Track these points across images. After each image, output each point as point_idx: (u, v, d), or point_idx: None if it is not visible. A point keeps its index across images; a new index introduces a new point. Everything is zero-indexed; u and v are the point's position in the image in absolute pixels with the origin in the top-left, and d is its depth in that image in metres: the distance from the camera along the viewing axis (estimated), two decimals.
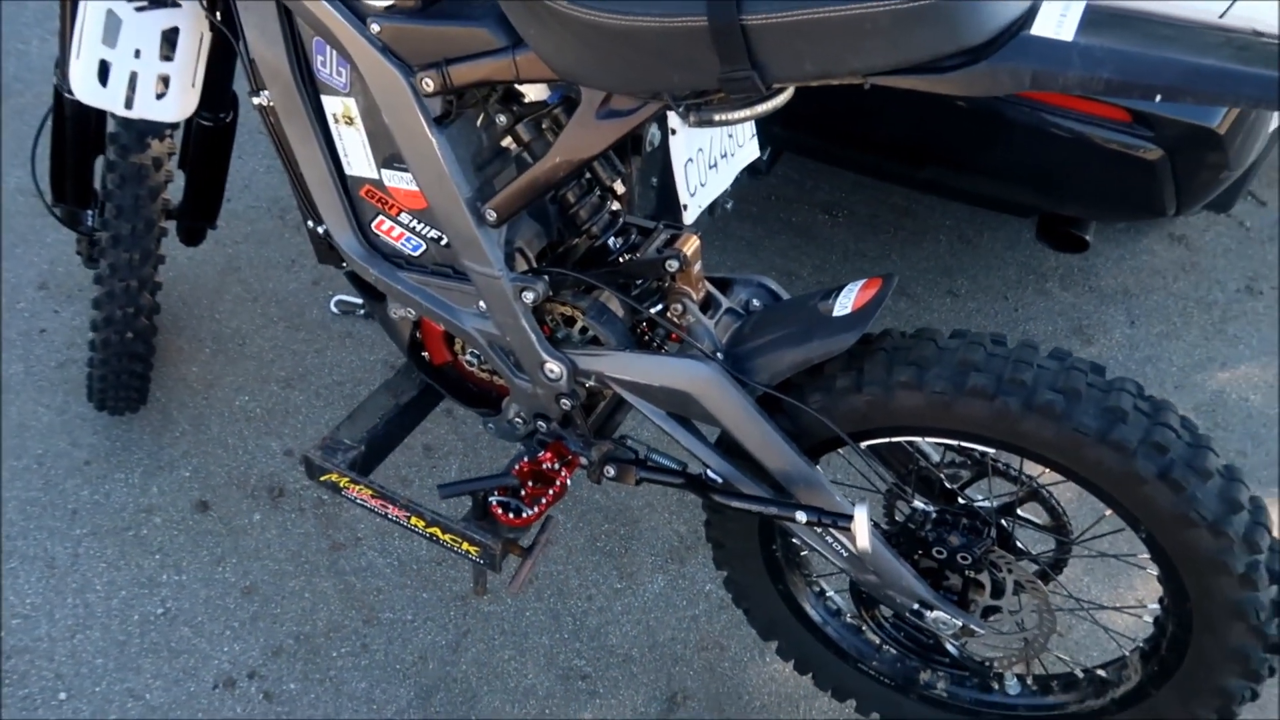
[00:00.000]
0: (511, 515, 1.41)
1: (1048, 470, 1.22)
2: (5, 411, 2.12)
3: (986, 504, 1.37)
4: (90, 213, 1.85)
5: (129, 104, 1.47)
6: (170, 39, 1.48)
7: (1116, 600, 1.89)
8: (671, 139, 1.37)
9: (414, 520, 1.48)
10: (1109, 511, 1.22)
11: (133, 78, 1.46)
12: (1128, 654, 1.39)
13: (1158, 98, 0.81)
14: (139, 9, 1.42)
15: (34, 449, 2.06)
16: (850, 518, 1.24)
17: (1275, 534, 1.18)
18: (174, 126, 1.66)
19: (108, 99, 1.46)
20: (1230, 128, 1.71)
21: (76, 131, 1.73)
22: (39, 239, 2.50)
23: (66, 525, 1.94)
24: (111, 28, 1.44)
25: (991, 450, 1.26)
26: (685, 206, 1.41)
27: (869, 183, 2.79)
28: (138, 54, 1.46)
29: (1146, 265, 2.64)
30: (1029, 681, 1.49)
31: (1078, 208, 2.00)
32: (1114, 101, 1.68)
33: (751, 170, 2.19)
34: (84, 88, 1.45)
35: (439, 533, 1.46)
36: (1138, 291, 2.57)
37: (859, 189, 2.80)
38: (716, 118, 1.06)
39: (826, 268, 2.59)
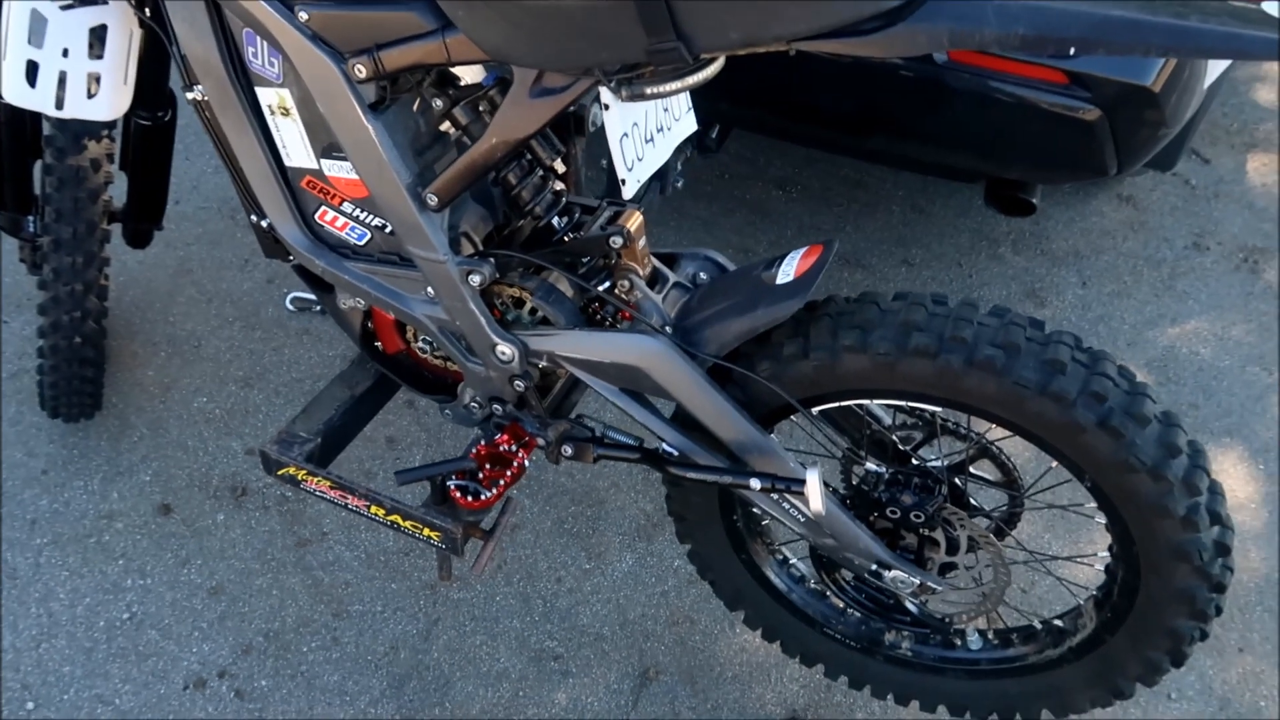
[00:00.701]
0: (470, 498, 1.42)
1: (995, 426, 1.24)
2: None
3: (938, 463, 1.39)
4: (31, 218, 1.83)
5: (60, 104, 1.45)
6: (100, 36, 1.46)
7: (1072, 551, 1.93)
8: (605, 115, 1.37)
9: (374, 509, 1.48)
10: (1055, 463, 1.24)
11: (62, 77, 1.44)
12: (1082, 602, 1.42)
13: (1071, 50, 0.83)
14: (64, 7, 1.40)
15: None
16: (803, 482, 1.25)
17: (1214, 477, 1.20)
18: (110, 126, 1.63)
19: (37, 100, 1.44)
20: (1165, 84, 1.74)
21: (11, 136, 1.70)
22: None
23: (26, 535, 1.92)
24: (37, 28, 1.42)
25: (939, 409, 1.28)
26: (624, 181, 1.41)
27: (820, 157, 2.81)
28: (66, 53, 1.44)
29: (1096, 226, 2.68)
30: (990, 635, 1.52)
31: (1022, 171, 2.03)
32: (1040, 61, 1.70)
33: (702, 148, 2.21)
34: (12, 89, 1.43)
35: (399, 520, 1.46)
36: (1088, 252, 2.61)
37: (811, 163, 2.81)
38: (648, 91, 1.06)
39: (782, 243, 2.60)
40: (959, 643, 1.53)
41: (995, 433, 1.28)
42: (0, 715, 1.67)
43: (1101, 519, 1.27)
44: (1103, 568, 1.38)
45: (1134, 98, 1.75)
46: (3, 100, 1.49)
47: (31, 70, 1.44)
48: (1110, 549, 1.32)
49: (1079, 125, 1.80)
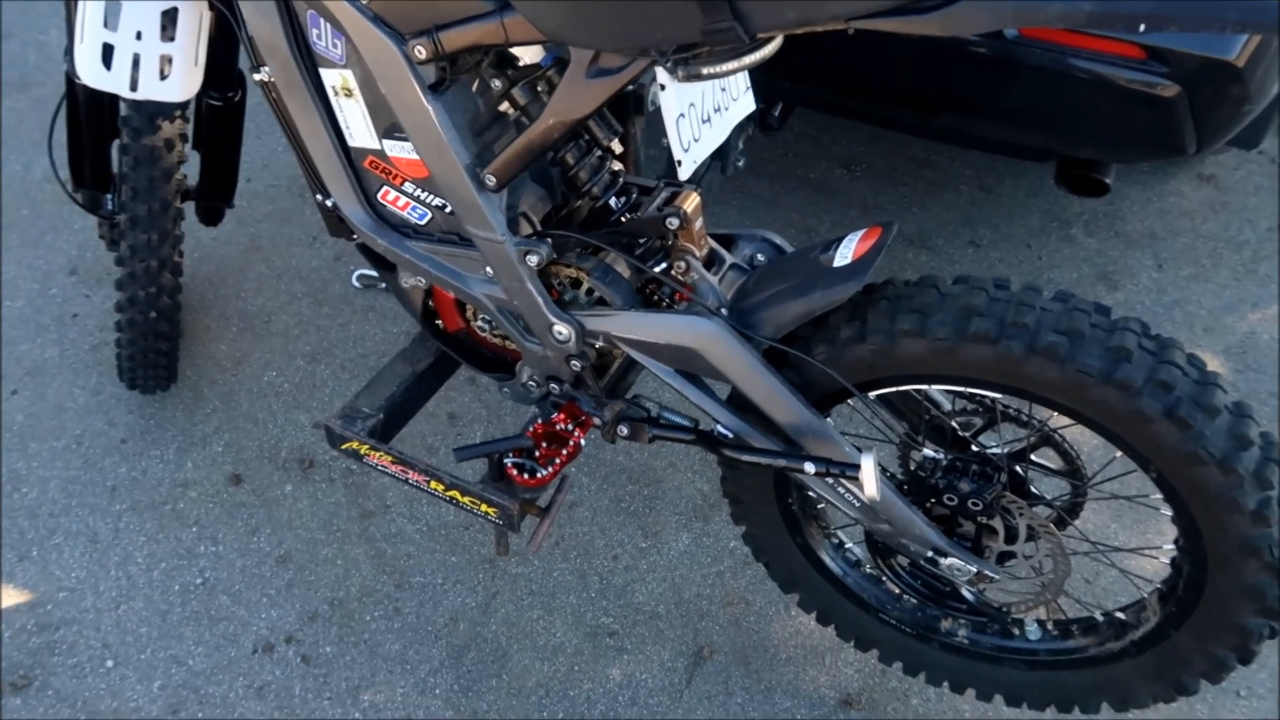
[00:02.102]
0: (526, 476, 1.44)
1: (1058, 414, 1.21)
2: (43, 394, 2.19)
3: (998, 450, 1.36)
4: (110, 197, 1.89)
5: (134, 86, 1.50)
6: (171, 19, 1.50)
7: (1137, 543, 1.88)
8: (661, 95, 1.36)
9: (433, 484, 1.51)
10: (1119, 453, 1.21)
11: (135, 59, 1.48)
12: (1146, 596, 1.39)
13: (1141, 27, 0.80)
14: None
15: (72, 429, 2.13)
16: (859, 466, 1.24)
17: None
18: (183, 107, 1.68)
19: (113, 82, 1.49)
20: (1250, 59, 1.67)
21: (90, 117, 1.76)
22: (67, 226, 2.56)
23: (106, 502, 2.01)
24: (112, 11, 1.47)
25: (1000, 395, 1.25)
26: (679, 163, 1.41)
27: (886, 135, 2.75)
28: (139, 36, 1.48)
29: (1174, 207, 2.59)
30: (1049, 626, 1.49)
31: (1095, 150, 1.96)
32: (1116, 35, 1.64)
33: (765, 127, 2.18)
34: (89, 72, 1.48)
35: (458, 495, 1.49)
36: (1165, 234, 2.52)
37: (876, 142, 2.76)
38: (704, 71, 1.06)
39: (845, 223, 2.57)
40: (1017, 632, 1.51)
41: (1058, 420, 1.25)
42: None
43: (1168, 511, 1.23)
44: (1168, 561, 1.34)
45: (1216, 73, 1.68)
46: (81, 82, 1.54)
47: (107, 53, 1.49)
48: (1176, 542, 1.28)
49: (1157, 102, 1.73)
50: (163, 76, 1.51)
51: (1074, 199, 2.60)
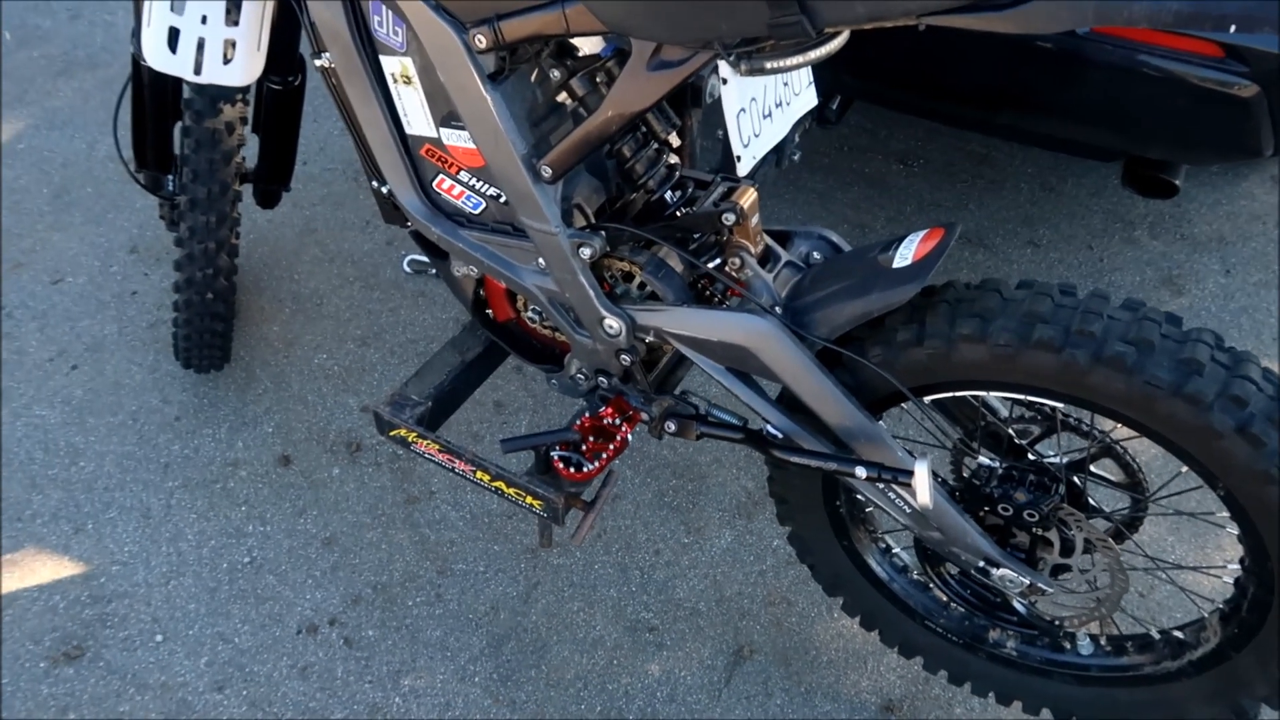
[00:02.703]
0: (573, 470, 1.43)
1: (1120, 425, 1.18)
2: (101, 370, 2.23)
3: (1056, 460, 1.33)
4: (171, 178, 1.92)
5: (198, 69, 1.51)
6: (236, 4, 1.51)
7: (1198, 560, 1.83)
8: (723, 89, 1.34)
9: (479, 474, 1.51)
10: (1185, 468, 1.17)
11: (200, 43, 1.50)
12: (1207, 615, 1.35)
13: (1232, 29, 0.76)
14: None
15: (128, 405, 2.17)
16: (911, 473, 1.21)
17: None
18: (244, 90, 1.69)
19: (177, 65, 1.51)
20: None
21: (154, 98, 1.79)
22: (129, 204, 2.60)
23: (160, 478, 2.04)
24: None
25: (1061, 405, 1.22)
26: (739, 158, 1.38)
27: (945, 130, 2.70)
28: (204, 20, 1.49)
29: (1245, 210, 2.51)
30: (1102, 642, 1.46)
31: (1166, 150, 1.90)
32: (1193, 32, 1.58)
33: (821, 120, 2.15)
34: (155, 54, 1.50)
35: (503, 486, 1.48)
36: (1234, 238, 2.44)
37: (934, 137, 2.71)
38: (768, 65, 1.04)
39: (900, 219, 2.52)
40: (1069, 646, 1.47)
41: (1120, 431, 1.21)
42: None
43: (1234, 529, 1.19)
44: (1232, 580, 1.30)
45: None
46: (147, 64, 1.56)
47: (173, 36, 1.50)
48: (1241, 561, 1.24)
49: (1234, 102, 1.67)
50: (226, 61, 1.53)
51: (1139, 200, 2.53)
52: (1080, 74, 1.78)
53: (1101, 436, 1.30)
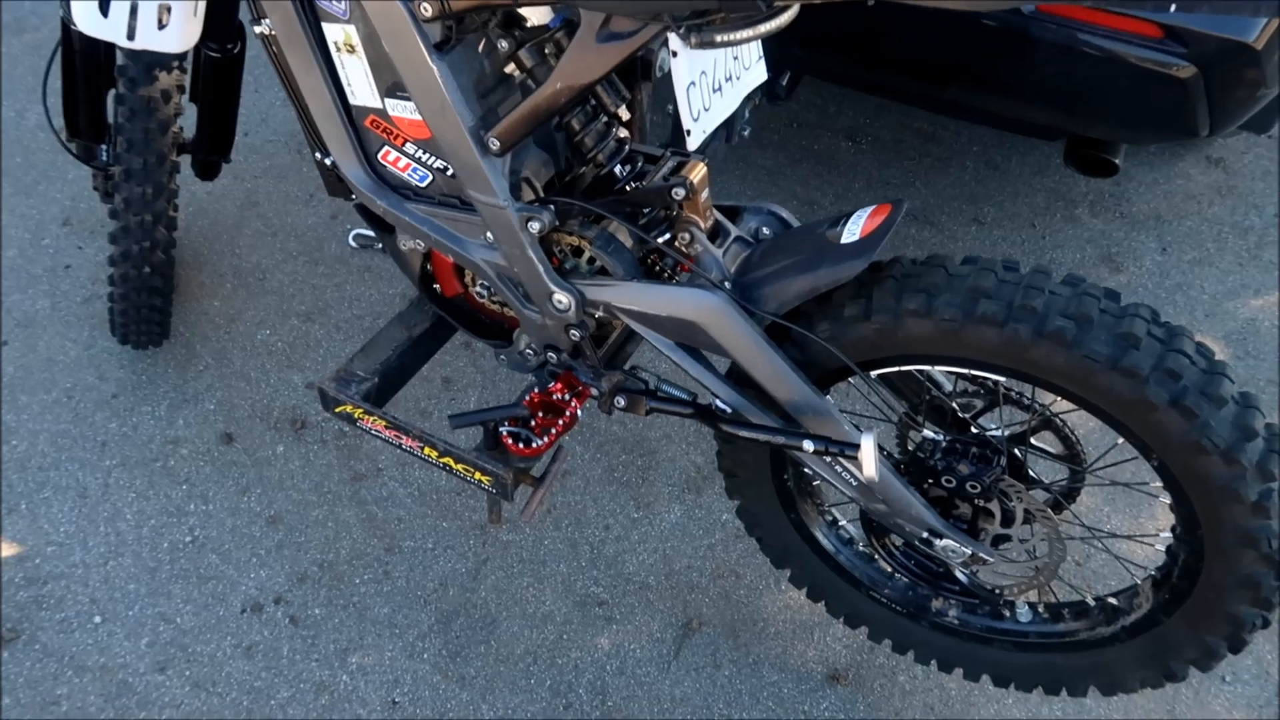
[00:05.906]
0: (522, 445, 1.42)
1: (1060, 399, 1.20)
2: (34, 346, 2.17)
3: (998, 433, 1.35)
4: (105, 147, 1.85)
5: (131, 34, 1.46)
6: None
7: (1133, 529, 1.88)
8: (672, 62, 1.33)
9: (427, 451, 1.50)
10: (1121, 440, 1.20)
11: (133, 7, 1.45)
12: (1140, 582, 1.39)
13: (1172, 7, 0.78)
14: None
15: (63, 383, 2.10)
16: (858, 446, 1.23)
17: None
18: (180, 58, 1.64)
19: (109, 30, 1.45)
20: (1268, 43, 1.64)
21: (86, 65, 1.72)
22: (61, 175, 2.52)
23: (96, 457, 1.99)
24: None
25: (1003, 379, 1.24)
26: (689, 132, 1.38)
27: (893, 107, 2.72)
28: None
29: (1181, 190, 2.57)
30: (1040, 609, 1.50)
31: (1106, 129, 1.94)
32: (1140, 15, 1.61)
33: (771, 96, 2.15)
34: (86, 19, 1.44)
35: (451, 463, 1.47)
36: (1170, 217, 2.50)
37: (883, 114, 2.73)
38: (718, 38, 1.03)
39: (849, 196, 2.54)
40: (1008, 614, 1.51)
41: (1060, 405, 1.24)
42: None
43: (1166, 499, 1.23)
44: (1164, 548, 1.34)
45: (1233, 55, 1.64)
46: (77, 29, 1.50)
47: (104, 0, 1.45)
48: (1173, 530, 1.28)
49: (1172, 82, 1.70)
50: (161, 26, 1.48)
51: (1080, 178, 2.57)
52: (1024, 52, 1.80)
53: (1042, 410, 1.33)
